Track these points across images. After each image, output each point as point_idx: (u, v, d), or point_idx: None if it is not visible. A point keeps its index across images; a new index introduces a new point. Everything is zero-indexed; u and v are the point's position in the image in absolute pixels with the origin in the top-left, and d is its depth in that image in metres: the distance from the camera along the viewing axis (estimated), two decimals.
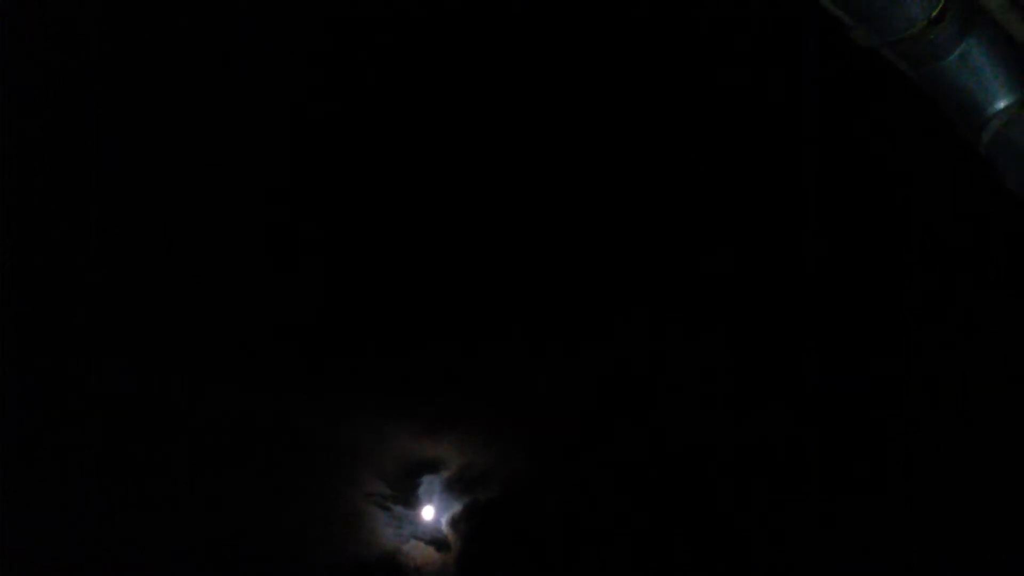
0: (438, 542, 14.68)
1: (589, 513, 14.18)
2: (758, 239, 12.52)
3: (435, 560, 14.63)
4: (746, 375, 13.15)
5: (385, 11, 11.43)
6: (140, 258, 12.26)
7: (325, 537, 14.07)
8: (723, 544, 13.53)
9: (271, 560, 13.54)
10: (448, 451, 14.45)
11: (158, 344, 12.57)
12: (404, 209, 12.90)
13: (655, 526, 13.81)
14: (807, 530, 12.70)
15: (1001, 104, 3.48)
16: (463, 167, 12.64)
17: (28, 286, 11.58)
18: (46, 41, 10.67)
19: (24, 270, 11.49)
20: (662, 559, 13.83)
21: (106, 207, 11.76)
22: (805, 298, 12.30)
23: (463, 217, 12.98)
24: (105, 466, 12.59)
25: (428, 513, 14.62)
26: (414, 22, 11.53)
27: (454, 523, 14.74)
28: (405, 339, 13.43)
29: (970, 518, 11.04)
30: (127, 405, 12.57)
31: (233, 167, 12.17)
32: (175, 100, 11.55)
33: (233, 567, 13.15)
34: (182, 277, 12.51)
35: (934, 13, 3.30)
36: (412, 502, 14.50)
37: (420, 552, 14.62)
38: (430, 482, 14.56)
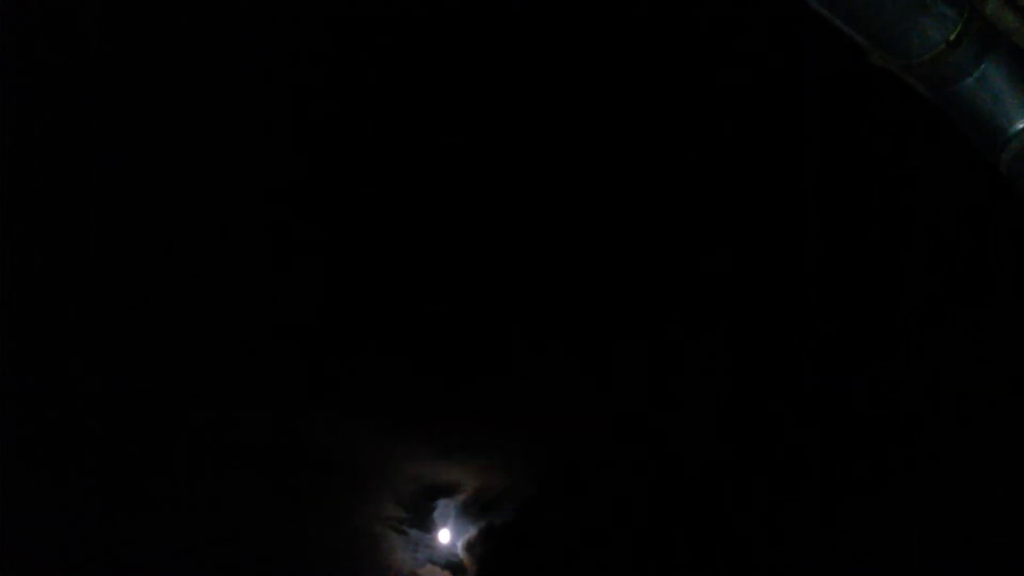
0: (454, 566, 14.60)
1: (605, 536, 14.10)
2: (758, 240, 12.48)
3: None
4: (745, 375, 13.10)
5: (384, 11, 11.39)
6: (140, 261, 12.19)
7: (341, 561, 14.02)
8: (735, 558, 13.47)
9: None
10: (463, 474, 14.40)
11: (170, 358, 12.56)
12: (416, 231, 12.93)
13: (669, 551, 13.74)
14: (807, 530, 12.60)
15: (1021, 125, 3.48)
16: (462, 178, 12.61)
17: (28, 286, 11.51)
18: (46, 41, 10.67)
19: (24, 270, 11.43)
20: None
21: (106, 207, 11.67)
22: (805, 298, 12.27)
23: (473, 236, 13.01)
24: (114, 485, 12.60)
25: (444, 536, 14.55)
26: (413, 22, 11.49)
27: (470, 547, 14.66)
28: (421, 363, 13.44)
29: (970, 518, 10.94)
30: (138, 422, 12.56)
31: (234, 172, 12.15)
32: (174, 100, 11.51)
33: None
34: (191, 292, 12.48)
35: (952, 36, 3.31)
36: (428, 526, 14.44)
37: None
38: (445, 505, 14.50)
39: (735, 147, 11.98)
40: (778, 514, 13.12)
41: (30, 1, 10.39)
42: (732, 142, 11.93)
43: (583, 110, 12.14)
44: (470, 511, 14.57)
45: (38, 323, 11.91)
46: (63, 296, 11.99)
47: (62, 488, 12.23)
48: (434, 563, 14.55)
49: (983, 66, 3.42)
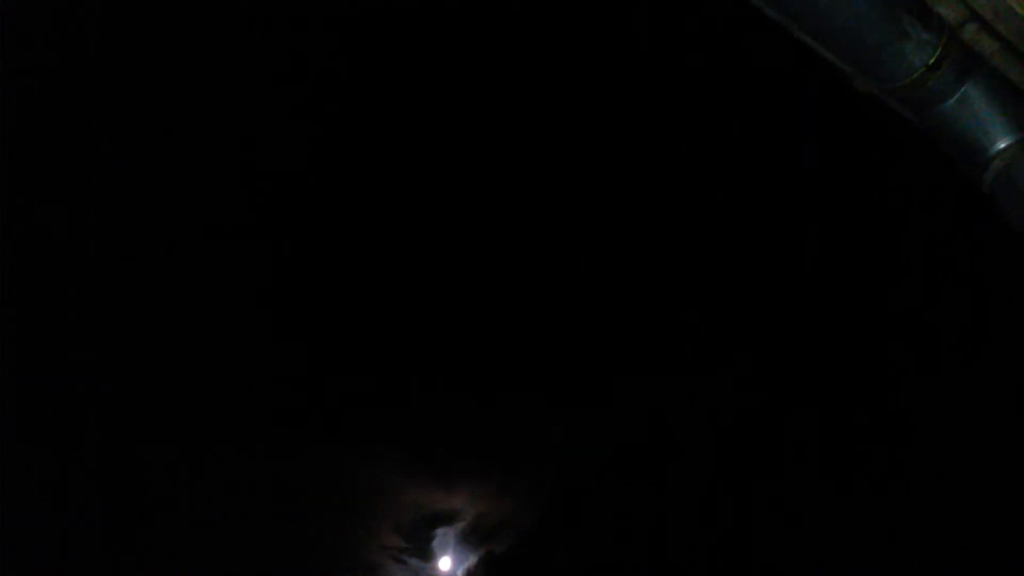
0: None
1: (605, 568, 14.03)
2: (759, 241, 12.49)
3: None
4: (746, 375, 13.10)
5: (384, 11, 11.33)
6: (140, 265, 12.08)
7: None
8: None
9: None
10: (463, 503, 14.36)
11: (169, 391, 12.49)
12: (417, 262, 12.96)
13: None
14: (807, 530, 12.54)
15: (1002, 144, 3.58)
16: (467, 206, 12.58)
17: (28, 286, 11.40)
18: (46, 41, 10.62)
19: (24, 270, 11.32)
20: None
21: (105, 208, 11.56)
22: (805, 298, 12.29)
23: (474, 265, 13.04)
24: (116, 524, 12.54)
25: (444, 565, 14.48)
26: (413, 22, 11.44)
27: (469, 575, 14.59)
28: (419, 392, 13.43)
29: (971, 518, 10.90)
30: (138, 455, 12.51)
31: (234, 181, 12.08)
32: (174, 100, 11.43)
33: None
34: (189, 317, 12.35)
35: (931, 60, 3.43)
36: (427, 554, 14.37)
37: None
38: (444, 534, 14.45)
39: (735, 147, 11.92)
40: (780, 552, 13.05)
41: (30, 1, 10.33)
42: (731, 142, 11.88)
43: (584, 111, 12.00)
44: (470, 540, 14.51)
45: (37, 333, 11.78)
46: (60, 308, 11.85)
47: (62, 526, 12.17)
48: None
49: (963, 88, 3.53)
